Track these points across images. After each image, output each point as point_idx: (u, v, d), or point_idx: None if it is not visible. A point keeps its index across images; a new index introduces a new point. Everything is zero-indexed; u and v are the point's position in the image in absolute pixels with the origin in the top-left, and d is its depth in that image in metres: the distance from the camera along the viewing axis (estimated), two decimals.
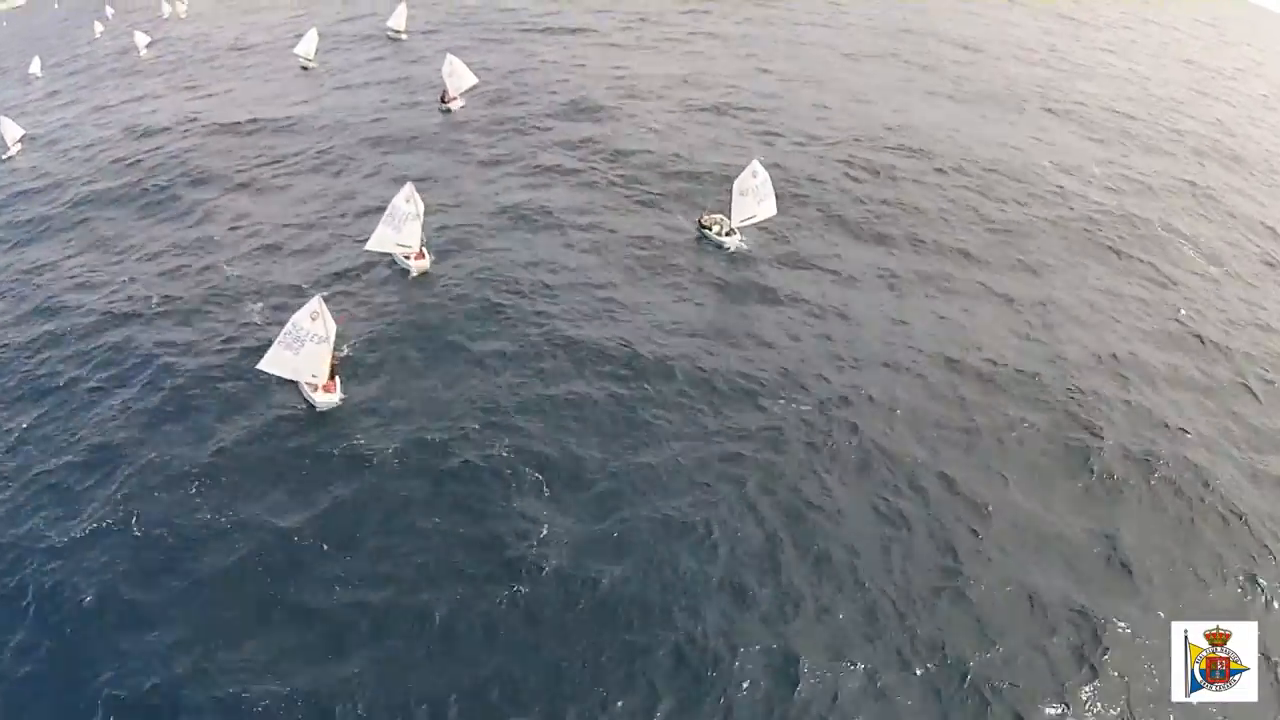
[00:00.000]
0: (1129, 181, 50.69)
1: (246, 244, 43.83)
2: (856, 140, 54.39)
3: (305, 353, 29.79)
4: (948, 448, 29.37)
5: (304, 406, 31.19)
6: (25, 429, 31.85)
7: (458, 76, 63.45)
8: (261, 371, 30.42)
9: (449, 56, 64.61)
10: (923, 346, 34.60)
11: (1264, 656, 20.31)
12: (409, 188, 38.83)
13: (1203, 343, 36.86)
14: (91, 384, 34.22)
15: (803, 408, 30.80)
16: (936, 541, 25.92)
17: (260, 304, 38.61)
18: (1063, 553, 25.86)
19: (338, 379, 31.68)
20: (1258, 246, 46.65)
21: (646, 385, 31.73)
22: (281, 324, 30.57)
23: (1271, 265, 44.94)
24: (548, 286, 38.29)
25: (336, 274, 40.26)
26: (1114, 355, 34.92)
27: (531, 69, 72.48)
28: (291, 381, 31.32)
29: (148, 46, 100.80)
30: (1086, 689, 21.81)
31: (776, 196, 41.36)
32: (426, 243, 40.12)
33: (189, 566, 25.23)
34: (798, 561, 24.98)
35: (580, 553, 24.97)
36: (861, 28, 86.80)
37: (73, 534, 26.67)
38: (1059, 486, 28.28)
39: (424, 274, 39.74)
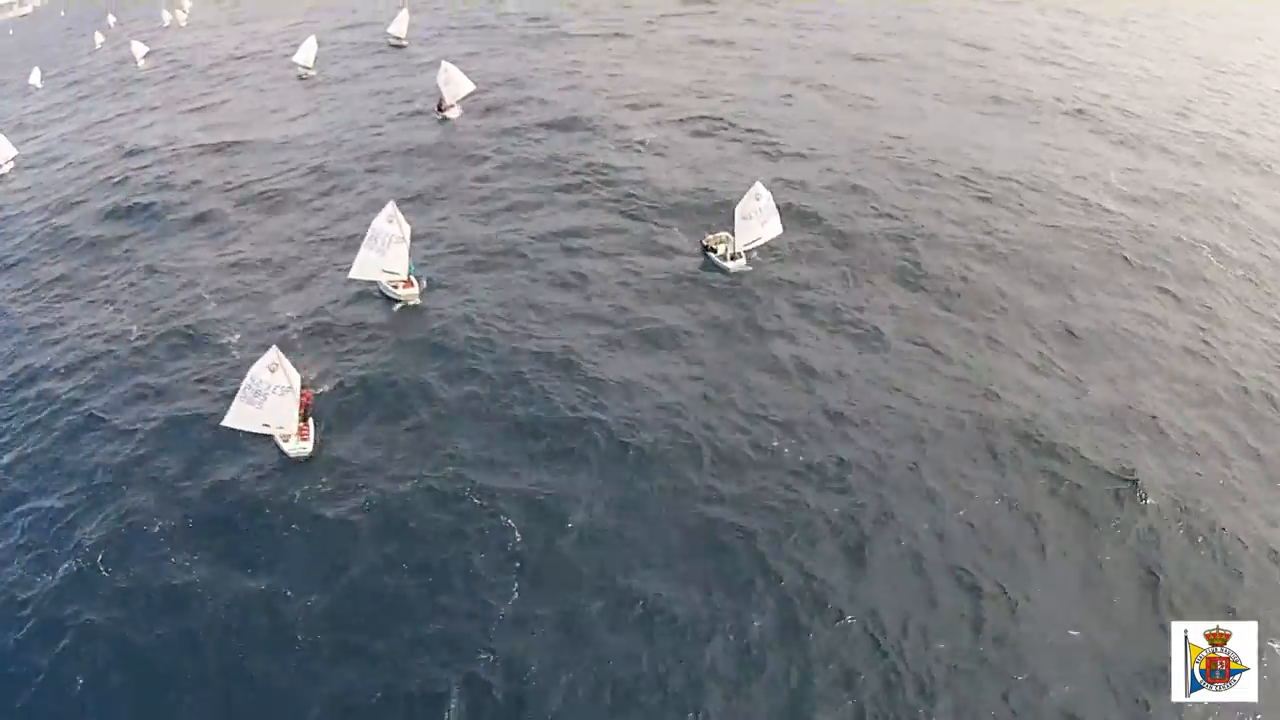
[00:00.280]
0: (1151, 190, 48.12)
1: (229, 274, 42.50)
2: (862, 152, 52.12)
3: (270, 405, 28.37)
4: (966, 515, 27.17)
5: (277, 455, 29.68)
6: None
7: (454, 84, 62.24)
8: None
9: (444, 64, 63.38)
10: (939, 399, 31.52)
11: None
12: (390, 207, 37.31)
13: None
14: (58, 431, 33.07)
15: (804, 474, 28.03)
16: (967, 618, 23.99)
17: (239, 334, 37.36)
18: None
19: (311, 423, 30.27)
20: None
21: (635, 450, 29.09)
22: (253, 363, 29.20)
23: None
24: (538, 329, 35.83)
25: (320, 305, 38.80)
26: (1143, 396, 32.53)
27: (531, 77, 71.02)
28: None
29: (145, 57, 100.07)
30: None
31: (781, 214, 39.68)
32: (415, 270, 38.38)
33: (148, 629, 24.13)
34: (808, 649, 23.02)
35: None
36: (864, 27, 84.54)
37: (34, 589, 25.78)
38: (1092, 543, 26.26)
39: (413, 304, 38.03)
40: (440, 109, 63.45)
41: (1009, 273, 39.46)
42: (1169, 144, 55.28)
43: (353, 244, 39.84)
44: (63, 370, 37.02)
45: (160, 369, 35.80)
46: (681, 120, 57.92)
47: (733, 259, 39.98)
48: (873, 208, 45.22)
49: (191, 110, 74.50)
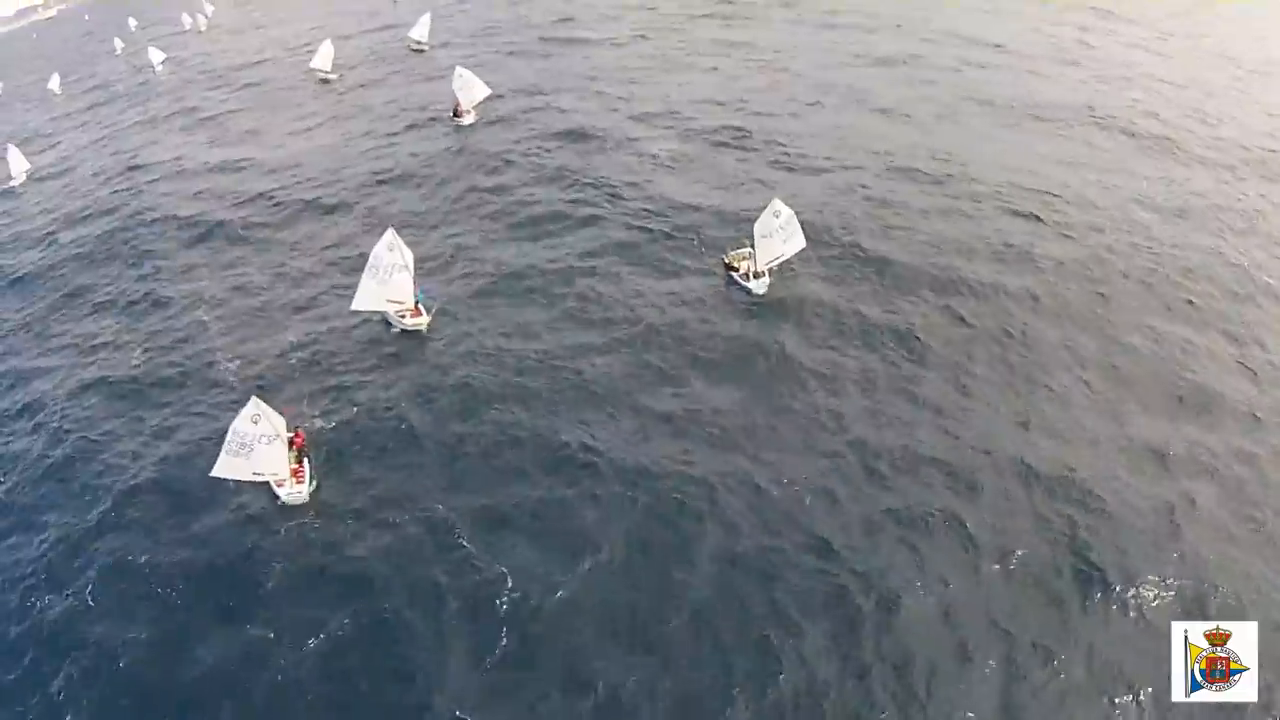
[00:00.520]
0: (1190, 206, 45.37)
1: (231, 299, 41.15)
2: (887, 164, 49.13)
3: (258, 455, 26.95)
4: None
5: (270, 499, 28.17)
6: None
7: (469, 89, 60.97)
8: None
9: (458, 69, 62.14)
10: (978, 442, 29.00)
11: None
12: (390, 235, 35.65)
13: None
14: (46, 464, 32.06)
15: (829, 539, 25.52)
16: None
17: (238, 363, 36.06)
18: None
19: (306, 464, 28.77)
20: None
21: (645, 505, 26.81)
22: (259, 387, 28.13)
23: None
24: (548, 362, 33.71)
25: (323, 332, 37.29)
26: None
27: (548, 83, 69.06)
28: None
29: (162, 64, 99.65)
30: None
31: (805, 231, 37.53)
32: (422, 297, 36.71)
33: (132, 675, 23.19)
34: None
35: None
36: (890, 28, 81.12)
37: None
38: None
39: (419, 330, 36.26)
40: (456, 114, 62.15)
41: (1050, 297, 36.70)
42: (1207, 154, 52.21)
43: (360, 264, 38.06)
44: (56, 400, 35.94)
45: (155, 401, 34.49)
46: (700, 131, 55.60)
47: (756, 277, 38.09)
48: (901, 224, 42.60)
49: (204, 119, 73.71)
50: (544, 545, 25.62)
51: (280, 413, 28.66)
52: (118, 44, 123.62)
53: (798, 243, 37.65)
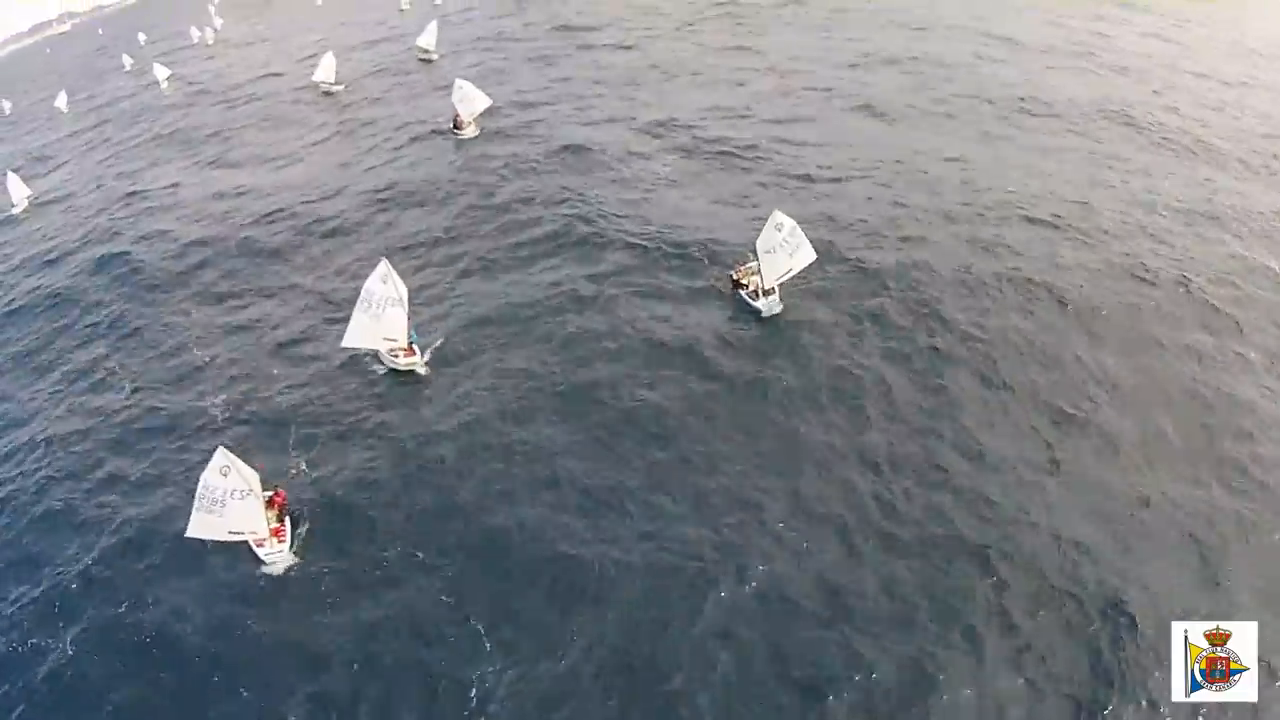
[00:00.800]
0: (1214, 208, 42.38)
1: (220, 338, 39.72)
2: (897, 174, 46.16)
3: (232, 511, 25.39)
4: None
5: (250, 560, 26.57)
6: None
7: (469, 100, 59.57)
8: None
9: (458, 81, 60.68)
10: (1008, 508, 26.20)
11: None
12: (384, 266, 33.78)
13: None
14: (20, 523, 30.63)
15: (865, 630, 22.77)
16: None
17: (225, 406, 34.60)
18: None
19: (288, 522, 27.24)
20: None
21: (646, 585, 24.52)
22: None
23: None
24: (547, 410, 31.44)
25: (312, 374, 35.63)
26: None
27: (552, 95, 67.21)
28: None
29: (167, 80, 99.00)
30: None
31: (815, 247, 35.05)
32: (416, 337, 34.89)
33: None
34: None
35: None
36: (898, 25, 77.93)
37: None
38: None
39: (412, 370, 34.47)
40: (456, 126, 60.67)
41: (1075, 317, 34.16)
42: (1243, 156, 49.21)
43: (355, 295, 36.11)
44: (38, 445, 34.88)
45: (139, 448, 33.19)
46: (704, 144, 53.13)
47: (765, 295, 35.91)
48: (916, 233, 40.21)
49: (206, 138, 72.83)
50: (534, 630, 23.60)
51: (255, 468, 27.16)
52: (126, 60, 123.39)
53: (806, 255, 35.23)
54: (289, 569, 26.34)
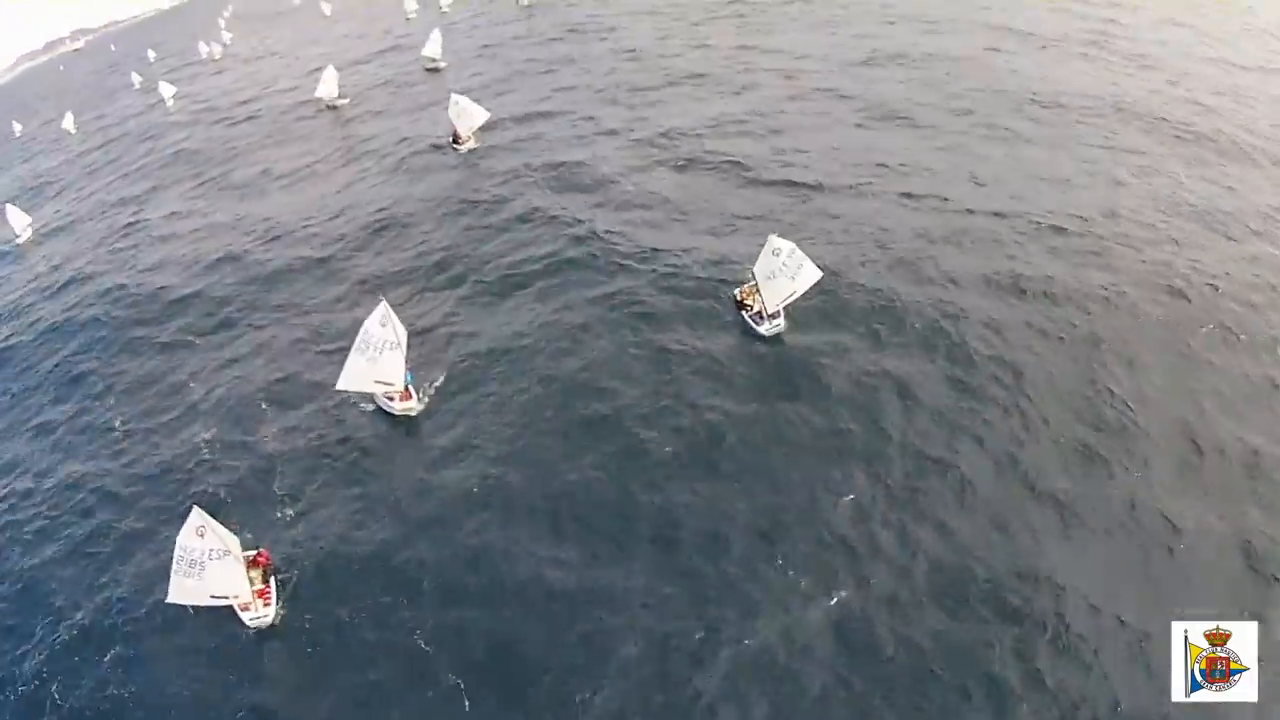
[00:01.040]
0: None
1: (213, 379, 38.64)
2: (906, 185, 43.96)
3: (211, 574, 24.25)
4: None
5: (234, 623, 25.31)
6: None
7: (466, 116, 58.53)
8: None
9: (454, 96, 59.38)
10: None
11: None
12: (383, 308, 32.46)
13: None
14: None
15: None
16: None
17: (213, 456, 33.36)
18: None
19: (273, 583, 26.05)
20: None
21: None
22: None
23: None
24: (547, 454, 29.71)
25: (305, 421, 34.21)
26: None
27: (555, 103, 65.80)
28: None
29: (174, 98, 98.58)
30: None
31: (821, 268, 33.18)
32: (412, 380, 33.43)
33: None
34: None
35: None
36: (909, 20, 75.65)
37: None
38: None
39: (408, 414, 32.97)
40: (455, 140, 59.67)
41: (1097, 329, 31.96)
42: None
43: (350, 330, 34.62)
44: (26, 498, 33.82)
45: (126, 503, 31.97)
46: (707, 156, 51.05)
47: (770, 318, 34.32)
48: (929, 253, 38.05)
49: (207, 160, 72.34)
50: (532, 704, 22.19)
51: (238, 523, 25.97)
52: (135, 78, 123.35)
53: (809, 275, 33.49)
54: (273, 629, 25.13)
